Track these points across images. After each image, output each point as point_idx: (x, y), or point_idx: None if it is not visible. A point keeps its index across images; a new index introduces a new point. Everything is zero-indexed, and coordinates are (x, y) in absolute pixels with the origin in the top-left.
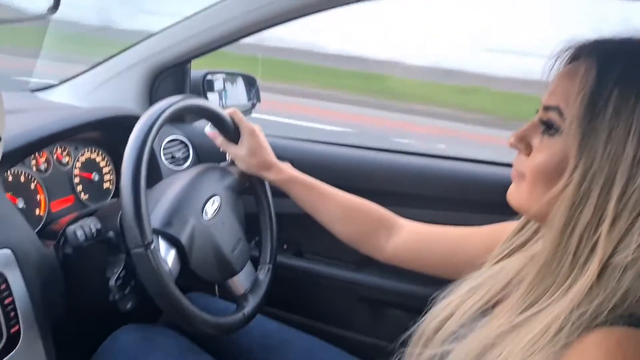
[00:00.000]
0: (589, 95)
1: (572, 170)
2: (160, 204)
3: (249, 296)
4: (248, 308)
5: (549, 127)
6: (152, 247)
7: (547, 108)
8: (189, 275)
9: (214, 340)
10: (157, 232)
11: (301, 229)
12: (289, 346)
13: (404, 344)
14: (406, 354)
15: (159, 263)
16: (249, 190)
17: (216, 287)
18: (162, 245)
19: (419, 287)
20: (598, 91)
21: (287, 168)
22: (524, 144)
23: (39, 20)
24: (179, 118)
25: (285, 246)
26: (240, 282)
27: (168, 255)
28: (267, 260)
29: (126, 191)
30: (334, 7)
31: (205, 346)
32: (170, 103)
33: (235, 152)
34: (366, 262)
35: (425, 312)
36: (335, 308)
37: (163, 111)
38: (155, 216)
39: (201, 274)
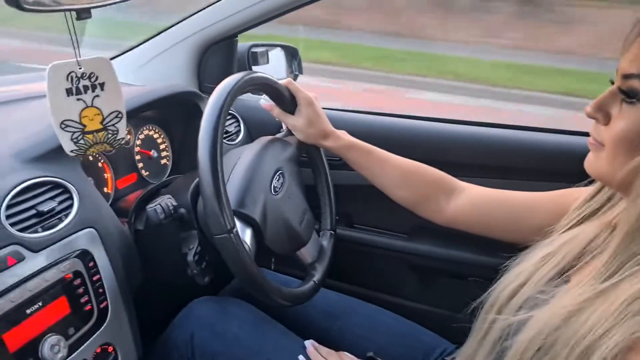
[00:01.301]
0: None
1: None
2: (230, 183)
3: (316, 265)
4: (318, 275)
5: (631, 96)
6: (234, 231)
7: (627, 76)
8: (263, 252)
9: (281, 311)
10: (233, 213)
11: (351, 200)
12: (352, 313)
13: (474, 312)
14: (479, 321)
15: (242, 246)
16: (306, 160)
17: (272, 262)
18: (239, 226)
19: (470, 255)
20: None
21: (344, 135)
22: (602, 113)
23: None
24: None
25: (337, 217)
26: (307, 251)
27: (245, 235)
28: (329, 227)
29: (206, 177)
30: None
31: (274, 316)
32: (237, 80)
33: (294, 123)
34: (416, 232)
35: (494, 281)
36: (387, 277)
37: (232, 88)
38: (229, 197)
39: (274, 249)
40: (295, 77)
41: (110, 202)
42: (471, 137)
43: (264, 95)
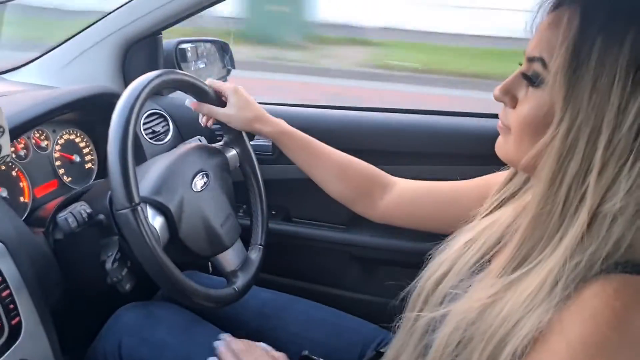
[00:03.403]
0: (573, 45)
1: (558, 121)
2: (148, 175)
3: (239, 273)
4: (239, 283)
5: (533, 79)
6: (138, 208)
7: (530, 59)
8: (178, 247)
9: (213, 312)
10: (145, 200)
11: (288, 194)
12: (286, 312)
13: (403, 301)
14: (405, 315)
15: (146, 225)
16: (239, 172)
17: (210, 266)
18: (150, 212)
19: (409, 243)
20: (581, 40)
21: (281, 122)
22: (509, 97)
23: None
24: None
25: (273, 212)
26: (230, 258)
27: (155, 222)
28: (258, 241)
29: (113, 154)
30: None
31: (206, 318)
32: (150, 79)
33: (226, 112)
34: (355, 222)
35: (421, 270)
36: (328, 269)
37: (144, 87)
38: (144, 186)
39: (190, 246)
40: (228, 72)
41: (28, 211)
42: (400, 125)
43: (189, 96)
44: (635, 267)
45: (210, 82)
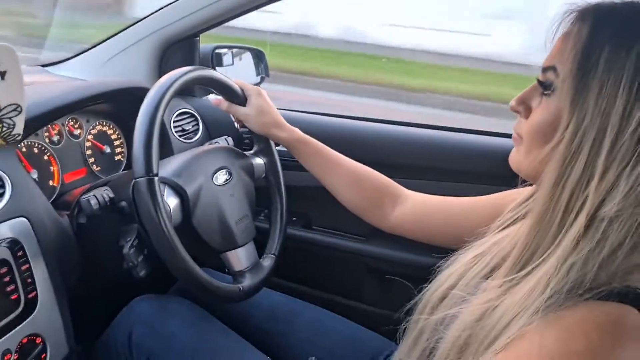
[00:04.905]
0: (581, 52)
1: (565, 126)
2: (172, 162)
3: (247, 274)
4: (245, 283)
5: (546, 87)
6: (155, 179)
7: (545, 69)
8: (189, 234)
9: (225, 311)
10: (164, 180)
11: (310, 202)
12: (297, 317)
13: (409, 313)
14: (412, 322)
15: (159, 197)
16: (263, 182)
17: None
18: (167, 191)
19: (427, 258)
20: (590, 47)
21: (297, 130)
22: (524, 107)
23: None
24: (189, 91)
25: (294, 218)
26: (240, 258)
27: (170, 201)
28: (273, 251)
29: (139, 127)
30: None
31: (217, 315)
32: (180, 74)
33: (245, 112)
34: (374, 234)
35: (430, 281)
36: (343, 279)
37: (175, 81)
38: (166, 170)
39: (202, 234)
40: (262, 80)
41: (55, 195)
42: (418, 140)
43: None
44: (633, 295)
45: (236, 81)
